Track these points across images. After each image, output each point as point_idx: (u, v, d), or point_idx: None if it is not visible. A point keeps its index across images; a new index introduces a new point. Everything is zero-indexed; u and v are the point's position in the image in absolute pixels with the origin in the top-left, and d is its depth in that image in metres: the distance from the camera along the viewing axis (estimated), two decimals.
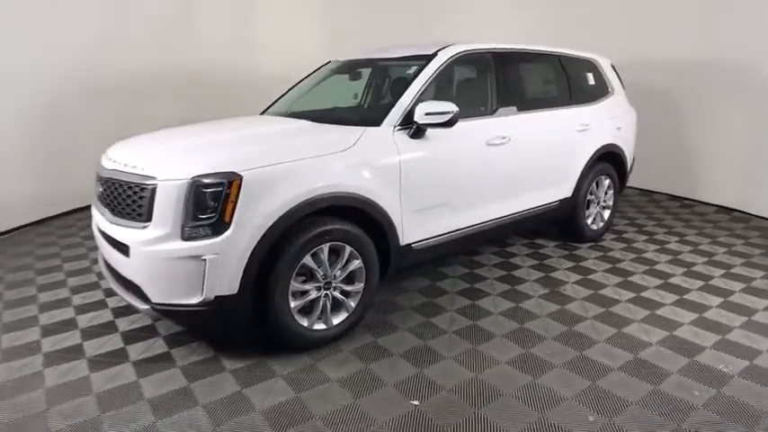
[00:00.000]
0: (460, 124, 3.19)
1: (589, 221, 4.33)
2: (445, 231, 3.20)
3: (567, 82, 4.08)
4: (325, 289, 2.68)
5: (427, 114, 2.86)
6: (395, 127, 2.90)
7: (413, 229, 3.01)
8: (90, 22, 5.16)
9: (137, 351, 2.73)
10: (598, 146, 4.17)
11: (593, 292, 3.41)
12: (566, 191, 4.02)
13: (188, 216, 2.31)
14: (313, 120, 3.14)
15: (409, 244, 3.01)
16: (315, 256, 2.60)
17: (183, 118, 4.08)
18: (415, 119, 2.87)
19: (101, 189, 2.68)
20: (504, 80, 3.53)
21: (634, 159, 4.85)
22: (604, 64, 4.50)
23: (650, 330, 2.91)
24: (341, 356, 2.66)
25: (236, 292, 2.37)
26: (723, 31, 5.20)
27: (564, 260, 4.00)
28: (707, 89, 5.45)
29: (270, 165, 2.42)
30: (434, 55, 3.22)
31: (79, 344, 2.80)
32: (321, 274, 2.64)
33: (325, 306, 2.69)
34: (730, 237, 4.54)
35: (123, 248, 2.46)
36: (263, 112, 3.78)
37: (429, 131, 2.99)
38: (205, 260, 2.29)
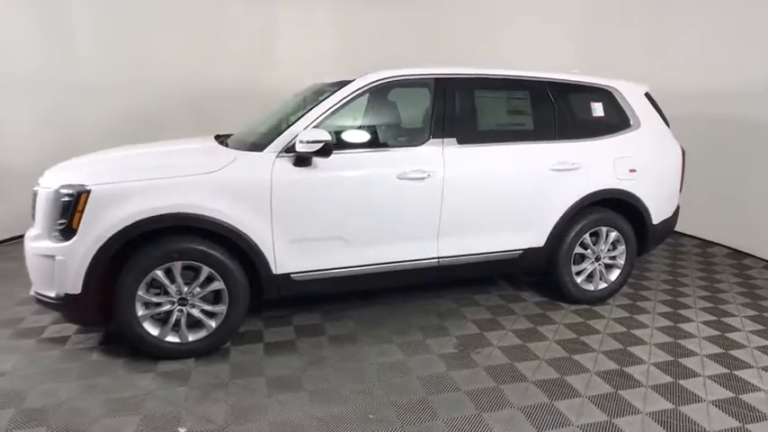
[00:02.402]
0: (361, 154, 3.03)
1: (578, 280, 3.58)
2: (340, 266, 3.03)
3: (554, 112, 3.46)
4: (180, 304, 2.79)
5: (303, 142, 2.78)
6: (278, 154, 2.88)
7: (292, 260, 2.93)
8: (184, 39, 5.98)
9: (52, 330, 3.20)
10: (592, 190, 3.45)
11: (508, 363, 2.84)
12: (534, 239, 3.41)
13: (52, 220, 2.67)
14: (232, 144, 3.24)
15: (287, 274, 2.94)
16: (170, 272, 2.74)
17: None
18: (296, 146, 2.82)
19: None
20: (444, 109, 3.18)
21: (677, 209, 3.86)
22: (630, 92, 3.69)
23: (513, 428, 2.33)
24: (184, 372, 2.72)
25: (79, 292, 2.64)
26: None
27: (525, 320, 3.40)
28: None
29: (120, 182, 2.65)
30: (349, 82, 3.10)
31: (24, 317, 3.39)
32: (174, 290, 2.76)
33: (179, 321, 2.80)
34: None
35: None
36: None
37: (318, 160, 2.89)
38: (55, 260, 2.62)
